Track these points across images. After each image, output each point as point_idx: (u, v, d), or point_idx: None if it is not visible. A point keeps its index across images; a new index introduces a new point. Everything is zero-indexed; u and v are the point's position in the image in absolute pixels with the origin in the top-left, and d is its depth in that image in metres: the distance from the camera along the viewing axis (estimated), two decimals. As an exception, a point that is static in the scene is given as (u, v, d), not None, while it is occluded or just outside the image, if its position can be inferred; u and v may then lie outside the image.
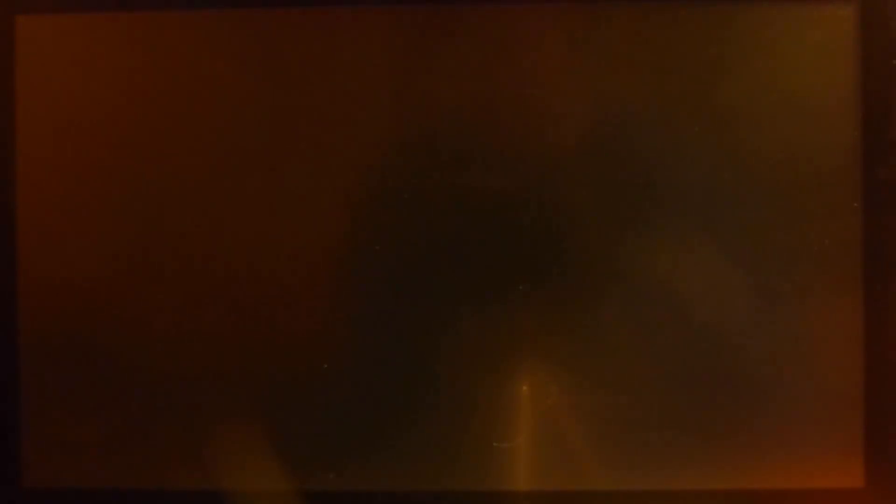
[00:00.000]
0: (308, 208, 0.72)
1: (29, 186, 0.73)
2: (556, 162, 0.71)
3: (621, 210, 0.71)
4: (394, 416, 0.71)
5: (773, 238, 0.70)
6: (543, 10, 0.71)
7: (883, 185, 0.70)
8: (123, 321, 0.72)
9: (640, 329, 0.71)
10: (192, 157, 0.72)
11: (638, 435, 0.71)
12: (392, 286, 0.71)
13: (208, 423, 0.72)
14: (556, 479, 0.71)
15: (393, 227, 0.71)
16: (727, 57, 0.70)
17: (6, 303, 0.72)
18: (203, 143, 0.72)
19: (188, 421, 0.72)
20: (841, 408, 0.70)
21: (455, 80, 0.71)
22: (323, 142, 0.72)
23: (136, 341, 0.72)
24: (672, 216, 0.70)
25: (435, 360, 0.71)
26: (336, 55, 0.72)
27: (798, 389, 0.70)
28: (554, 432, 0.71)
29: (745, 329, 0.70)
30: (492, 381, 0.71)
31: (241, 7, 0.72)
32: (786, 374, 0.70)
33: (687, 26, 0.70)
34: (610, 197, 0.71)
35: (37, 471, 0.73)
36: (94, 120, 0.73)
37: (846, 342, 0.70)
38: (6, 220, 0.72)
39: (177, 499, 0.72)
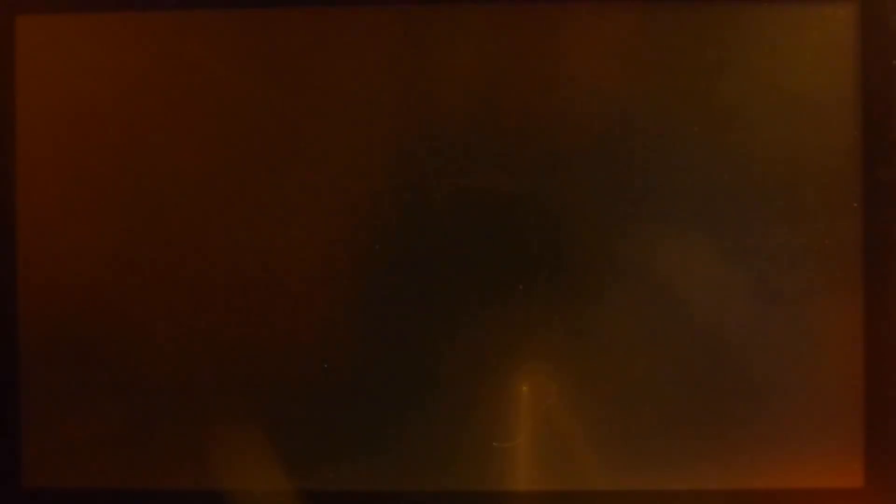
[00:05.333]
0: (309, 208, 0.72)
1: (29, 186, 0.73)
2: (558, 162, 0.71)
3: (621, 210, 0.70)
4: (394, 415, 0.71)
5: (773, 238, 0.70)
6: (544, 10, 0.71)
7: (883, 185, 0.70)
8: (124, 321, 0.72)
9: (641, 328, 0.71)
10: (193, 157, 0.72)
11: (638, 434, 0.71)
12: (392, 286, 0.71)
13: (208, 424, 0.72)
14: (557, 479, 0.71)
15: (393, 228, 0.71)
16: (727, 57, 0.70)
17: (6, 303, 0.72)
18: (204, 143, 0.72)
19: (188, 421, 0.72)
20: (841, 408, 0.70)
21: (456, 79, 0.71)
22: (324, 142, 0.72)
23: (136, 341, 0.72)
24: (672, 216, 0.70)
25: (434, 359, 0.71)
26: (337, 55, 0.72)
27: (798, 389, 0.70)
28: (554, 432, 0.71)
29: (746, 329, 0.70)
30: (492, 382, 0.71)
31: (241, 7, 0.72)
32: (786, 374, 0.70)
33: (687, 26, 0.70)
34: (610, 197, 0.71)
35: (37, 471, 0.73)
36: (95, 120, 0.73)
37: (846, 342, 0.70)
38: (6, 220, 0.72)
39: (177, 499, 0.72)
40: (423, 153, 0.71)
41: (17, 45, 0.72)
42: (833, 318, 0.70)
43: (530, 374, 0.71)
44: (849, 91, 0.70)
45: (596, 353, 0.71)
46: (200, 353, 0.72)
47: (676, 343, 0.70)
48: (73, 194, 0.73)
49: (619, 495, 0.71)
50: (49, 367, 0.73)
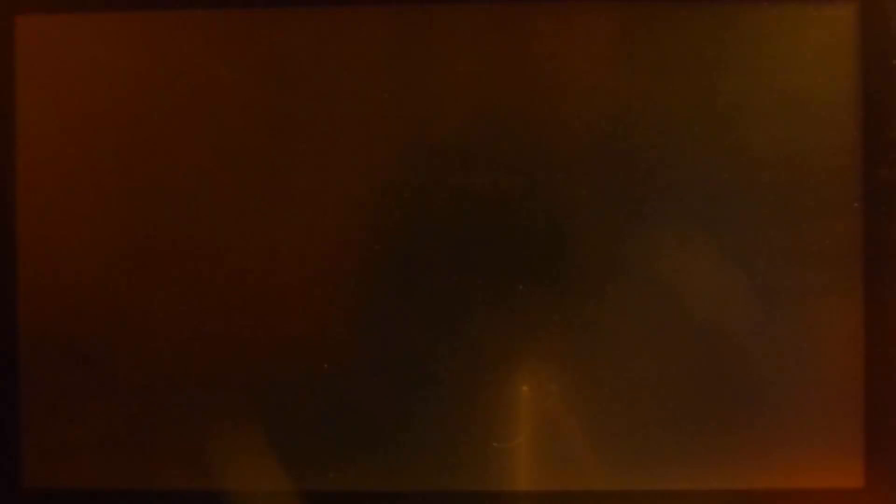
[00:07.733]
0: (309, 209, 0.72)
1: (29, 186, 0.73)
2: (558, 162, 0.71)
3: (622, 211, 0.70)
4: (394, 416, 0.71)
5: (773, 238, 0.70)
6: (543, 10, 0.71)
7: (883, 185, 0.70)
8: (123, 322, 0.72)
9: (641, 329, 0.71)
10: (194, 157, 0.72)
11: (638, 435, 0.71)
12: (393, 285, 0.71)
13: (208, 424, 0.72)
14: (557, 479, 0.71)
15: (393, 228, 0.71)
16: (727, 57, 0.70)
17: (6, 303, 0.72)
18: (204, 143, 0.72)
19: (188, 421, 0.72)
20: (841, 408, 0.70)
21: (456, 79, 0.71)
22: (324, 142, 0.72)
23: (136, 342, 0.72)
24: (673, 216, 0.70)
25: (434, 360, 0.71)
26: (337, 55, 0.72)
27: (798, 389, 0.70)
28: (554, 432, 0.71)
29: (745, 329, 0.70)
30: (491, 381, 0.71)
31: (241, 7, 0.72)
32: (786, 374, 0.70)
33: (687, 26, 0.70)
34: (610, 198, 0.71)
35: (37, 471, 0.73)
36: (95, 120, 0.73)
37: (846, 342, 0.70)
38: (6, 220, 0.72)
39: (177, 499, 0.72)
40: (424, 152, 0.71)
41: (17, 45, 0.72)
42: (833, 318, 0.70)
43: (530, 375, 0.71)
44: (849, 91, 0.70)
45: (595, 353, 0.71)
46: (201, 353, 0.72)
47: (676, 343, 0.70)
48: (74, 194, 0.73)
49: (619, 495, 0.71)
50: (49, 367, 0.73)
